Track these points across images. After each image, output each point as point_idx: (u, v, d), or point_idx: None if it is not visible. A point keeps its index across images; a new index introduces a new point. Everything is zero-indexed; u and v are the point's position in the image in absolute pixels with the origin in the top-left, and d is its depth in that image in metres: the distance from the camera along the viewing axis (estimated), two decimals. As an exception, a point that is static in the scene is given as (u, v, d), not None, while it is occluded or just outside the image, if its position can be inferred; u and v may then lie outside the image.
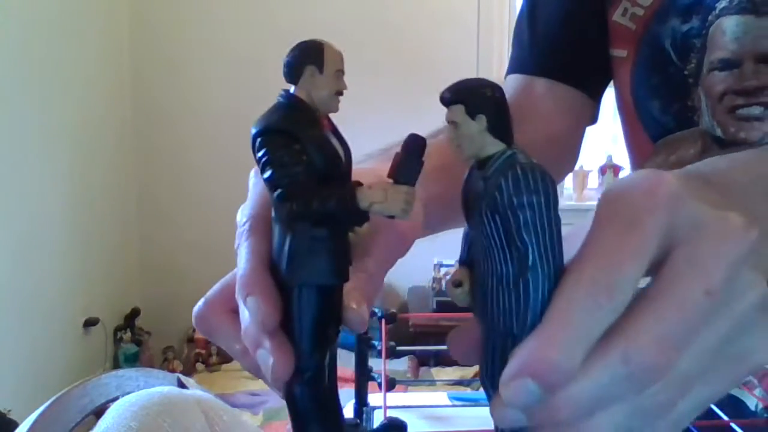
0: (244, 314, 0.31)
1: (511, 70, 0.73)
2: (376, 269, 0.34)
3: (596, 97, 0.73)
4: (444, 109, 0.28)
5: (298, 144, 0.29)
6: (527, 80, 0.71)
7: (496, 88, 0.28)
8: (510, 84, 0.72)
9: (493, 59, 3.05)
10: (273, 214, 0.31)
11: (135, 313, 3.10)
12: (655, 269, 0.26)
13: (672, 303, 0.25)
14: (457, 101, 0.28)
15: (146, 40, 3.15)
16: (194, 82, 3.16)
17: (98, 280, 2.89)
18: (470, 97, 0.28)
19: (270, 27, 3.01)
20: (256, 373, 0.33)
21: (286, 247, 0.30)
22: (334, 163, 0.30)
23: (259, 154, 0.29)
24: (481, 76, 0.40)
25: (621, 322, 0.25)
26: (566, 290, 0.26)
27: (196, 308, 0.36)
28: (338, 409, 0.33)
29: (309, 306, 0.30)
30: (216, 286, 0.36)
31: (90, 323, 2.79)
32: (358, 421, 0.59)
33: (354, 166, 0.32)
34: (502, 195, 0.26)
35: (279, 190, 0.29)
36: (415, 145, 0.30)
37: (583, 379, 0.25)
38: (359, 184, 0.29)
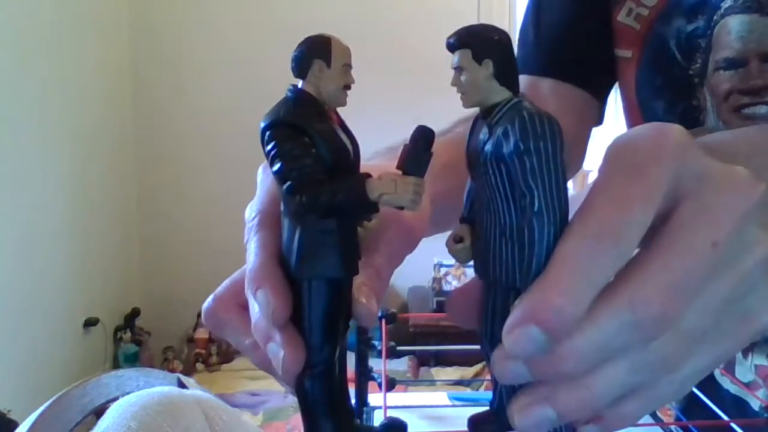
0: (254, 308, 0.31)
1: None
2: (385, 264, 0.34)
3: (602, 98, 0.72)
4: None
5: (307, 137, 0.29)
6: (532, 80, 0.71)
7: (503, 34, 0.27)
8: None
9: (493, 60, 3.05)
10: (282, 207, 0.31)
11: (135, 313, 3.09)
12: (660, 221, 0.26)
13: (679, 253, 0.25)
14: (463, 45, 0.27)
15: (146, 40, 3.15)
16: (194, 82, 3.16)
17: (98, 280, 2.89)
18: (477, 41, 0.27)
19: (270, 27, 3.02)
20: (266, 368, 0.32)
21: (296, 241, 0.29)
22: (343, 157, 0.30)
23: (268, 148, 0.29)
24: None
25: (626, 270, 0.25)
26: (572, 236, 0.25)
27: (205, 304, 0.36)
28: (348, 402, 0.33)
29: (319, 299, 0.30)
30: (225, 283, 0.36)
31: (90, 323, 2.78)
32: (359, 421, 0.59)
33: (362, 163, 0.32)
34: (508, 141, 0.25)
35: (288, 183, 0.28)
36: (423, 137, 0.30)
37: (588, 327, 0.25)
38: (368, 175, 0.29)
